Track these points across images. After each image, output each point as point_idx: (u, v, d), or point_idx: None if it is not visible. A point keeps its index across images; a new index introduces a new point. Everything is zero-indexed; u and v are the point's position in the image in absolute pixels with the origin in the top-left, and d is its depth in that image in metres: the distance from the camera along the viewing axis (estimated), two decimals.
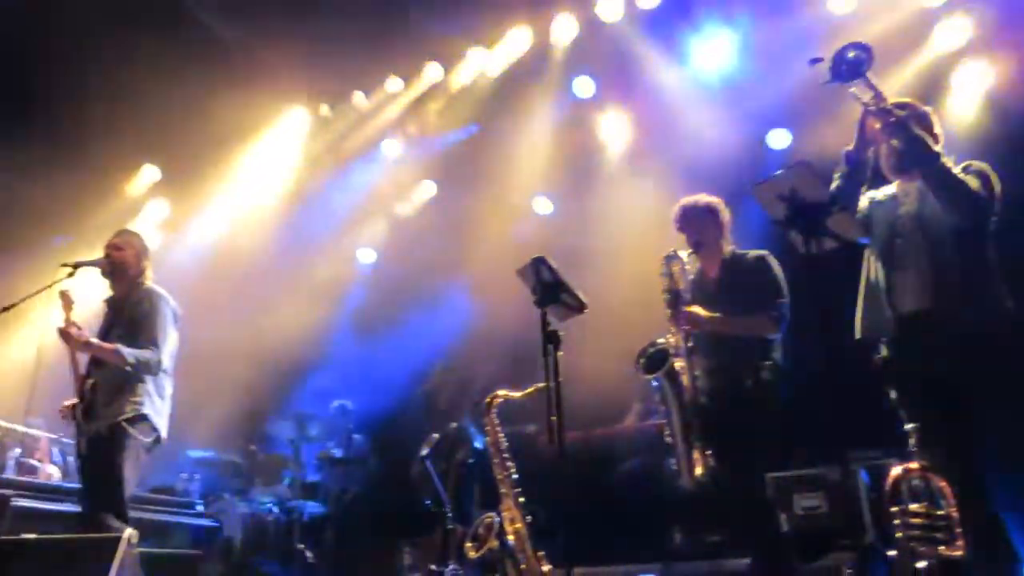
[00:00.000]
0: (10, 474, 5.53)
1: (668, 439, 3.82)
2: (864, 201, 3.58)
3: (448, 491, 4.92)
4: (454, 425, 5.22)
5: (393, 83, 7.55)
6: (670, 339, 3.91)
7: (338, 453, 7.11)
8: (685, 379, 3.78)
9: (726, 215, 4.21)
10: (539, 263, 3.61)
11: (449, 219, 7.81)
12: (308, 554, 6.33)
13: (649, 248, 4.64)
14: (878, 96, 3.20)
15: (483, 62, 7.18)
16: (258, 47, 7.03)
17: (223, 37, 6.93)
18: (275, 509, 6.57)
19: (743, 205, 4.54)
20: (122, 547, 3.31)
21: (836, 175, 3.47)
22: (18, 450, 5.96)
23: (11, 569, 3.40)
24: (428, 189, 8.07)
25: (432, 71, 7.41)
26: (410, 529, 6.17)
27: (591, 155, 7.22)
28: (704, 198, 4.23)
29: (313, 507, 6.74)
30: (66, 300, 4.36)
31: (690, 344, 3.86)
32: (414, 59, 7.41)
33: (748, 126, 6.38)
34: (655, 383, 3.83)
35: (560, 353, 3.46)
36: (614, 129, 7.11)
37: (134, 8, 6.18)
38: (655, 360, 3.90)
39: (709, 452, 3.69)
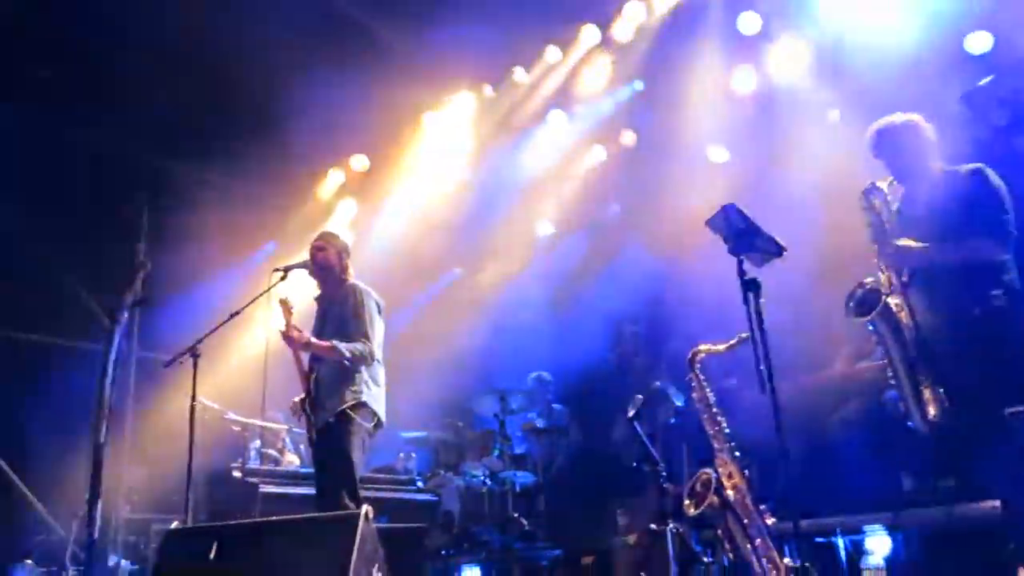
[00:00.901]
0: (254, 464, 6.13)
1: (892, 382, 3.58)
2: None
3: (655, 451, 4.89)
4: (657, 384, 5.18)
5: (552, 52, 7.53)
6: (881, 277, 3.65)
7: (540, 423, 7.28)
8: (903, 316, 3.51)
9: (929, 132, 3.84)
10: (729, 211, 3.48)
11: (623, 180, 7.73)
12: (523, 521, 6.53)
13: (844, 183, 4.35)
14: None
15: (640, 15, 6.99)
16: (417, 41, 7.23)
17: (384, 38, 7.19)
18: (488, 481, 6.83)
19: (947, 119, 4.15)
20: (362, 522, 3.53)
21: None
22: (258, 442, 6.58)
23: (266, 547, 3.70)
24: (598, 153, 8.01)
25: (589, 34, 7.31)
26: (620, 491, 6.21)
27: (765, 94, 6.85)
28: (901, 117, 3.89)
29: (523, 477, 6.94)
30: (286, 307, 4.72)
31: (904, 278, 3.59)
32: (569, 25, 7.35)
33: (941, 32, 5.78)
34: (870, 327, 3.58)
35: (762, 300, 3.33)
36: (787, 62, 6.67)
37: (309, 26, 6.54)
38: (866, 302, 3.65)
39: (941, 390, 3.41)
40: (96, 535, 5.26)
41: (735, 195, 3.78)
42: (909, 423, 3.56)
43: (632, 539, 5.44)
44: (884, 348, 3.59)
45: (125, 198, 7.28)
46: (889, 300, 3.57)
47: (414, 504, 6.42)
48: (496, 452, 6.99)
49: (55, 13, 5.92)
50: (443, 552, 6.49)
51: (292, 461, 6.73)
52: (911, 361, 3.48)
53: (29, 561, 5.45)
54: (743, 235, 3.46)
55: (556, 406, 7.46)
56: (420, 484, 6.67)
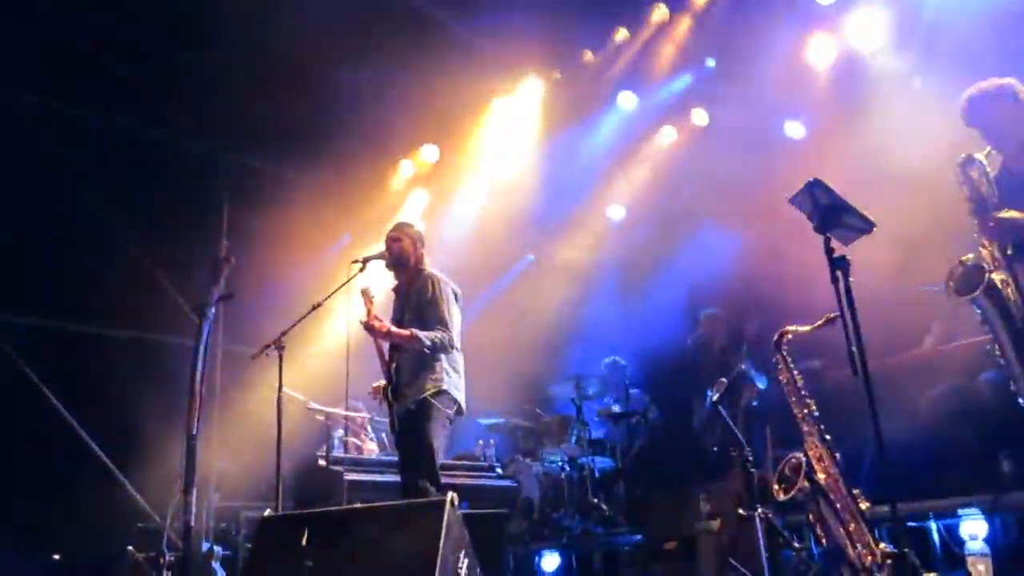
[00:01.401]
0: (337, 452, 6.26)
1: (1000, 361, 3.41)
2: None
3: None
4: (743, 367, 5.08)
5: (620, 34, 7.42)
6: (983, 252, 3.48)
7: (617, 408, 7.24)
8: (1010, 292, 3.33)
9: None
10: (814, 186, 3.36)
11: (694, 160, 7.58)
12: (603, 507, 6.51)
13: (932, 155, 4.17)
14: None
15: None
16: (484, 28, 7.22)
17: (450, 26, 7.20)
18: (566, 466, 6.82)
19: None
20: (447, 508, 3.57)
21: None
22: (341, 431, 6.72)
23: (356, 533, 3.77)
24: (669, 134, 7.88)
25: (658, 13, 7.18)
26: (701, 476, 6.13)
27: (843, 65, 6.61)
28: (996, 81, 3.70)
29: (602, 462, 6.91)
30: (367, 297, 4.79)
31: (1009, 252, 3.41)
32: (638, 5, 7.23)
33: None
34: (976, 308, 3.41)
35: (852, 279, 3.21)
36: (866, 29, 6.41)
37: (378, 18, 6.60)
38: (969, 279, 3.47)
39: None
40: (192, 522, 5.46)
41: (813, 172, 3.67)
42: (1020, 400, 3.38)
43: (716, 524, 5.37)
44: (990, 326, 3.42)
45: (207, 195, 7.51)
46: (993, 276, 3.40)
47: (494, 490, 6.46)
48: (574, 437, 6.99)
49: (137, 14, 6.12)
50: (524, 538, 6.52)
51: (372, 450, 6.86)
52: (1021, 337, 3.31)
53: (130, 548, 5.69)
54: (830, 211, 3.33)
55: (633, 391, 7.40)
56: (499, 470, 6.71)
